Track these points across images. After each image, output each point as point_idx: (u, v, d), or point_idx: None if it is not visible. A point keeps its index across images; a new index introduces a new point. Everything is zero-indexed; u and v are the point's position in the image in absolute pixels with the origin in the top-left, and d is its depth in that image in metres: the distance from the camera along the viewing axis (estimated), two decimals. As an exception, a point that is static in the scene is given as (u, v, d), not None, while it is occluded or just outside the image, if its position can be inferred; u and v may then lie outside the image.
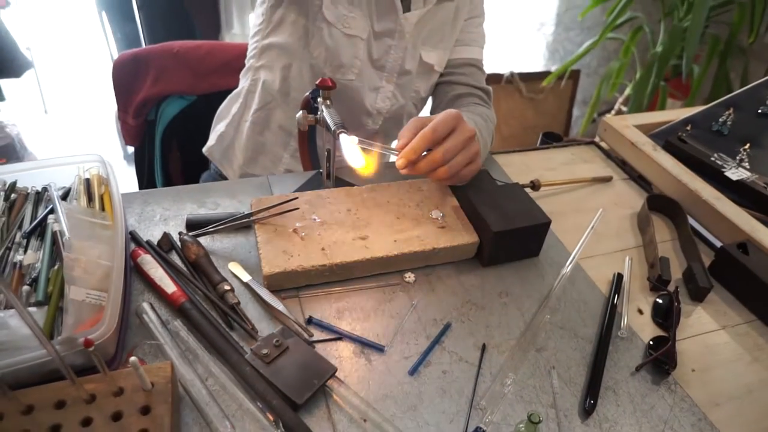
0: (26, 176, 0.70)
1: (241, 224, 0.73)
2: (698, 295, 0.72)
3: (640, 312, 0.70)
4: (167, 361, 0.53)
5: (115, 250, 0.59)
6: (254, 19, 1.00)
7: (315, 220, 0.72)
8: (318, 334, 0.62)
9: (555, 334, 0.65)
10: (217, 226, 0.72)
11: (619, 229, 0.84)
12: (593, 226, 0.81)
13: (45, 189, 0.70)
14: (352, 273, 0.68)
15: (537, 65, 2.71)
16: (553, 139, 1.94)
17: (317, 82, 0.74)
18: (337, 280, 0.68)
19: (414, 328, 0.64)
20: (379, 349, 0.61)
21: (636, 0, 1.98)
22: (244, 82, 1.04)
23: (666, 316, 0.68)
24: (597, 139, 1.05)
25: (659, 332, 0.67)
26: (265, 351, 0.57)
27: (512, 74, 2.37)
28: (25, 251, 0.61)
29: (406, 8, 0.92)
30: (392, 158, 0.72)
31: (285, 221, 0.71)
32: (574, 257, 0.75)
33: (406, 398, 0.56)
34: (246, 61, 1.04)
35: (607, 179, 0.93)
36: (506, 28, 2.75)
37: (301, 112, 0.77)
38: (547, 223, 0.72)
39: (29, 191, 0.70)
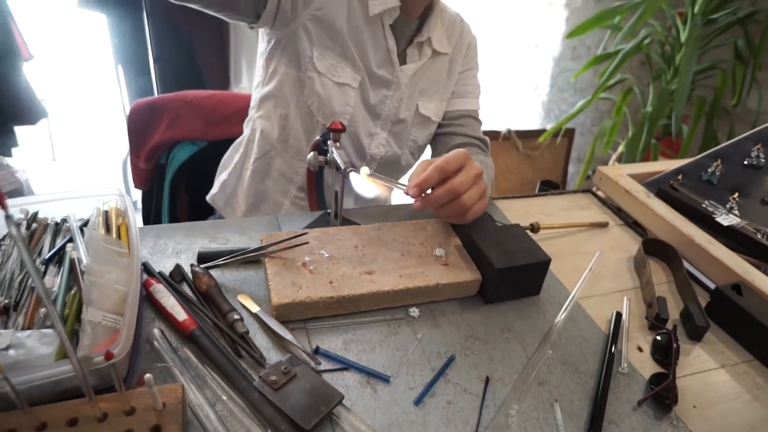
0: (48, 207, 0.73)
1: (251, 258, 0.75)
2: (696, 334, 0.73)
3: (640, 349, 0.71)
4: (178, 383, 0.54)
5: (131, 277, 0.61)
6: (257, 72, 1.07)
7: (323, 255, 0.74)
8: (325, 364, 0.63)
9: (557, 368, 0.66)
10: (228, 259, 0.74)
11: (616, 271, 0.87)
12: (591, 268, 0.84)
13: (64, 220, 0.73)
14: (358, 306, 0.70)
15: (533, 124, 2.82)
16: (550, 187, 2.00)
17: (328, 125, 0.79)
18: (344, 313, 0.70)
19: (419, 360, 0.65)
20: (385, 379, 0.62)
21: (626, 64, 2.09)
22: (245, 132, 1.10)
23: (665, 353, 0.70)
24: (593, 189, 1.10)
25: (659, 369, 0.68)
26: (273, 377, 0.58)
27: (509, 131, 2.46)
28: (43, 277, 0.63)
29: (402, 61, 0.98)
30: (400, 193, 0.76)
31: (294, 255, 0.74)
32: (574, 296, 0.77)
33: (411, 427, 0.57)
34: (248, 112, 1.10)
35: (603, 224, 0.97)
36: (503, 88, 2.88)
37: (312, 153, 0.81)
38: (547, 261, 0.74)
39: (49, 222, 0.72)
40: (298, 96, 0.97)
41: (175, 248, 0.78)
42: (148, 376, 0.47)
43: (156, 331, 0.62)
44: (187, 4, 0.82)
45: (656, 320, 0.73)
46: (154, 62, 1.89)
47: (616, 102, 2.15)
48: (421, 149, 1.11)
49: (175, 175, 1.36)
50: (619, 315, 0.74)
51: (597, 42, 2.39)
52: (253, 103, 1.06)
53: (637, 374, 0.67)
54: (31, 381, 0.48)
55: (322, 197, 0.93)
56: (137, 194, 1.44)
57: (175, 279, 0.72)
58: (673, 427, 0.61)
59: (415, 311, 0.72)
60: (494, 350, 0.68)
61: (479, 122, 1.09)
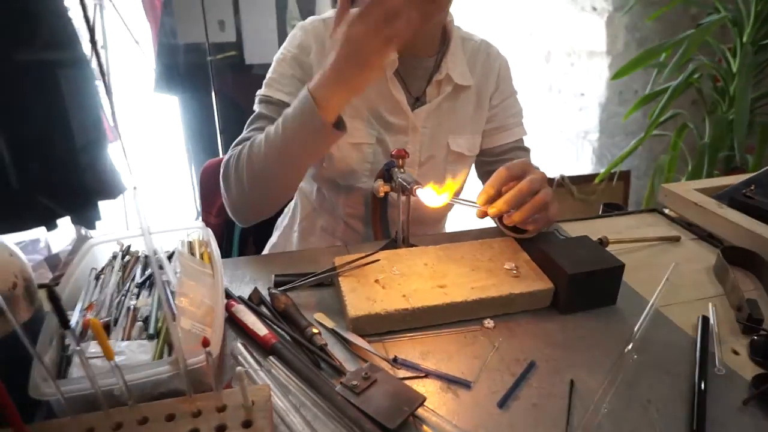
0: (136, 241, 0.80)
1: (325, 280, 0.78)
2: (796, 336, 0.68)
3: (735, 353, 0.67)
4: (265, 384, 0.55)
5: (217, 293, 0.65)
6: None
7: (395, 272, 0.76)
8: (404, 373, 0.63)
9: (645, 371, 0.63)
10: (304, 280, 0.77)
11: (695, 281, 0.83)
12: (668, 278, 0.81)
13: (155, 252, 0.79)
14: (432, 319, 0.70)
15: (586, 171, 2.80)
16: (614, 208, 1.94)
17: (392, 152, 0.83)
18: (419, 326, 0.70)
19: (498, 367, 0.64)
20: (466, 384, 0.61)
21: (677, 102, 2.08)
22: (294, 196, 1.15)
23: (765, 354, 0.65)
24: (660, 208, 1.07)
25: (760, 371, 0.63)
26: (354, 382, 0.58)
27: (562, 177, 2.45)
28: (137, 298, 0.68)
29: (423, 102, 0.99)
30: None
31: (366, 273, 0.76)
32: (654, 300, 0.74)
33: (498, 428, 0.55)
34: None
35: (675, 239, 0.94)
36: (553, 138, 2.90)
37: (378, 180, 0.85)
38: (620, 267, 0.73)
39: (139, 254, 0.78)
40: (321, 161, 1.00)
41: (252, 276, 0.82)
42: (239, 369, 0.50)
43: (239, 344, 0.65)
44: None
45: (749, 321, 0.69)
46: (220, 133, 2.07)
47: (671, 137, 2.12)
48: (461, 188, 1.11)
49: (242, 230, 1.43)
50: (706, 318, 0.71)
51: (643, 85, 2.40)
52: None
53: (736, 376, 0.63)
54: (137, 379, 0.51)
55: (387, 226, 0.96)
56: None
57: (253, 301, 0.75)
58: (786, 427, 0.56)
59: (490, 322, 0.71)
60: (575, 356, 0.66)
61: (527, 151, 1.08)
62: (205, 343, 0.47)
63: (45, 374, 0.51)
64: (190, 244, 0.79)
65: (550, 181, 2.46)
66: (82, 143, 2.06)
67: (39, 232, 2.32)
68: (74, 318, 0.64)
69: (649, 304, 0.74)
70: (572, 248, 0.77)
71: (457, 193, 1.10)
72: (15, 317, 0.43)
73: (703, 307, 0.76)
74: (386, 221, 0.97)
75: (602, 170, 2.42)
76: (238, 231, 1.43)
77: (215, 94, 2.08)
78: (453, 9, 0.96)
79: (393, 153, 0.83)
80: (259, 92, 0.97)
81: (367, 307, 0.68)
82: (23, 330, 0.42)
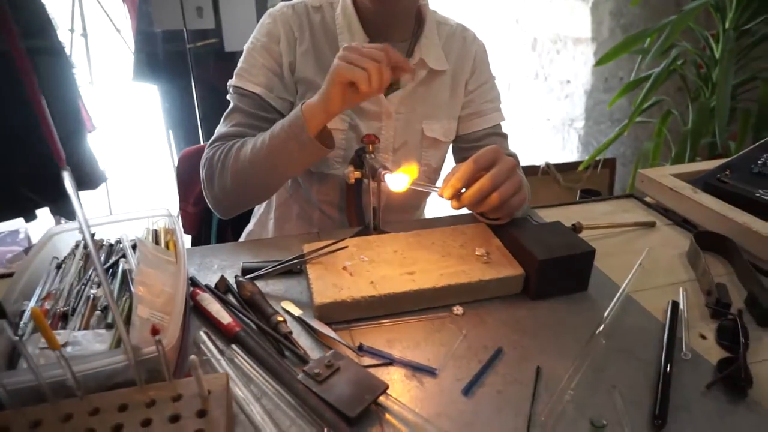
0: (102, 229, 0.78)
1: (294, 268, 0.76)
2: (765, 320, 0.68)
3: (703, 337, 0.67)
4: (223, 372, 0.54)
5: (178, 281, 0.64)
6: None
7: (363, 259, 0.75)
8: (369, 360, 0.62)
9: (613, 356, 0.63)
10: (271, 268, 0.76)
11: (669, 266, 0.82)
12: (641, 263, 0.80)
13: (118, 241, 0.77)
14: (400, 306, 0.69)
15: (572, 158, 2.79)
16: (591, 194, 1.94)
17: (362, 138, 0.82)
18: (386, 314, 0.69)
19: (465, 354, 0.63)
20: (431, 372, 0.60)
21: (662, 89, 2.07)
22: None
23: (733, 338, 0.65)
24: (637, 193, 1.07)
25: (726, 354, 0.63)
26: (316, 371, 0.57)
27: (548, 165, 2.45)
28: (98, 287, 0.66)
29: (396, 87, 0.97)
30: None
31: (335, 261, 0.74)
32: (625, 287, 0.74)
33: (461, 416, 0.54)
34: None
35: (650, 224, 0.93)
36: (538, 125, 2.89)
37: (349, 166, 0.84)
38: (591, 252, 0.72)
39: (104, 242, 0.77)
40: None
41: (221, 264, 0.81)
42: (192, 357, 0.48)
43: (202, 333, 0.63)
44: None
45: (718, 306, 0.69)
46: (200, 120, 2.03)
47: (655, 125, 2.11)
48: (437, 171, 1.09)
49: (220, 219, 1.41)
50: (675, 303, 0.70)
51: (629, 72, 2.40)
52: None
53: (703, 360, 0.62)
54: (88, 369, 0.50)
55: (361, 213, 0.94)
56: (188, 240, 1.50)
57: (220, 290, 0.73)
58: (750, 410, 0.56)
59: (459, 309, 0.70)
60: (544, 343, 0.65)
61: (504, 137, 1.07)
62: (154, 331, 0.45)
63: (-8, 366, 0.50)
64: (156, 232, 0.77)
65: (535, 168, 2.45)
66: (60, 133, 2.02)
67: (18, 223, 2.28)
68: (29, 306, 0.62)
69: (620, 290, 0.73)
70: (544, 234, 0.76)
71: (432, 179, 1.09)
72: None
73: (675, 292, 0.75)
74: (361, 208, 0.95)
75: (588, 158, 2.42)
76: (215, 219, 1.41)
77: (195, 81, 2.04)
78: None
79: (363, 138, 0.81)
80: (230, 82, 0.95)
81: (333, 294, 0.67)
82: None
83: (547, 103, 2.86)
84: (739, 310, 0.68)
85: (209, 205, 0.96)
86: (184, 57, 2.00)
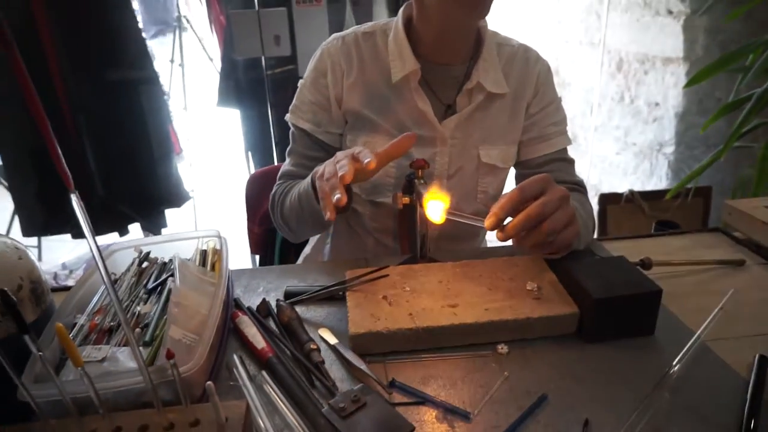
0: (158, 248, 0.81)
1: (336, 294, 0.75)
2: None
3: (795, 400, 0.56)
4: (243, 400, 0.53)
5: (215, 303, 0.64)
6: None
7: (405, 289, 0.72)
8: (400, 398, 0.58)
9: (678, 415, 0.54)
10: (312, 294, 0.75)
11: (758, 312, 0.72)
12: (722, 307, 0.71)
13: (171, 260, 0.80)
14: (440, 341, 0.66)
15: (660, 186, 2.59)
16: (669, 227, 1.76)
17: (410, 163, 0.79)
18: (425, 348, 0.66)
19: (504, 399, 0.58)
20: (465, 415, 0.55)
21: (765, 113, 1.87)
22: None
23: (834, 407, 0.54)
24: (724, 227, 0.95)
25: (826, 425, 0.53)
26: (342, 405, 0.55)
27: (632, 192, 2.28)
28: (145, 303, 0.68)
29: (453, 111, 0.94)
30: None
31: (376, 289, 0.72)
32: (702, 332, 0.65)
33: (491, 469, 0.49)
34: None
35: (738, 262, 0.82)
36: (624, 150, 2.72)
37: (398, 192, 0.82)
38: (657, 293, 0.64)
39: (158, 260, 0.80)
40: None
41: (266, 287, 0.81)
42: (209, 383, 0.48)
43: (235, 357, 0.63)
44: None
45: (815, 364, 0.58)
46: (275, 144, 2.12)
47: (758, 150, 1.90)
48: (495, 199, 1.03)
49: (283, 240, 1.44)
50: (764, 358, 0.60)
51: (727, 93, 2.19)
52: None
53: (794, 429, 0.53)
54: (110, 388, 0.51)
55: (414, 240, 0.91)
56: (256, 259, 1.54)
57: (261, 313, 0.73)
58: None
59: (503, 348, 0.65)
60: (596, 392, 0.58)
61: (570, 162, 1.00)
62: (169, 355, 0.45)
63: (31, 378, 0.52)
64: (205, 253, 0.79)
65: (618, 196, 2.29)
66: (153, 155, 2.19)
67: (105, 239, 2.48)
68: (80, 320, 0.65)
69: (694, 336, 0.65)
70: (604, 269, 0.69)
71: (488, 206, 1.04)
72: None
73: (765, 344, 0.65)
74: (414, 235, 0.92)
75: (676, 185, 2.22)
76: (279, 240, 1.44)
77: (271, 106, 2.13)
78: (493, 16, 0.90)
79: (412, 163, 0.79)
80: (287, 116, 1.00)
81: (369, 325, 0.65)
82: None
83: (633, 127, 2.68)
84: (843, 371, 0.57)
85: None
86: (262, 83, 2.10)
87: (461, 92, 0.94)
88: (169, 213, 2.29)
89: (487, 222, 0.66)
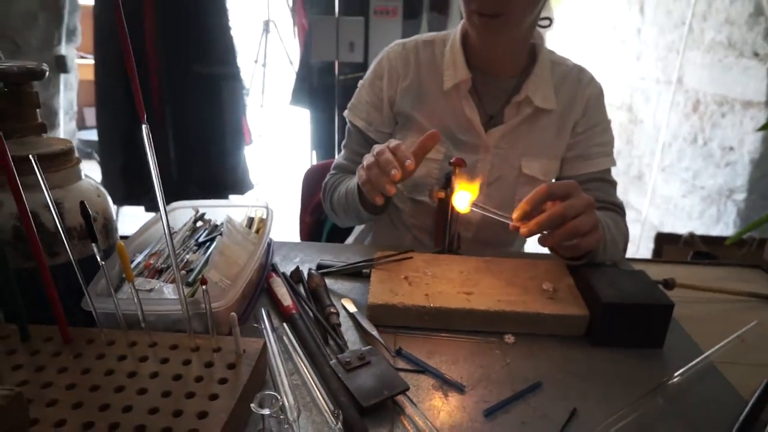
0: (213, 211, 0.90)
1: (363, 270, 0.81)
2: None
3: (795, 427, 0.56)
4: (262, 339, 0.59)
5: (252, 258, 0.71)
6: None
7: (427, 274, 0.77)
8: (403, 365, 0.63)
9: (668, 421, 0.56)
10: (340, 268, 0.81)
11: (781, 346, 0.71)
12: (741, 335, 0.70)
13: (222, 223, 0.89)
14: (451, 323, 0.70)
15: (726, 233, 2.47)
16: (707, 257, 1.67)
17: (450, 161, 0.84)
18: (437, 327, 0.70)
19: (501, 380, 0.61)
20: (460, 388, 0.59)
21: None
22: None
23: (835, 439, 0.54)
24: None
25: (821, 452, 0.53)
26: (348, 359, 0.60)
27: (692, 235, 2.20)
28: (194, 253, 0.77)
29: (500, 121, 0.98)
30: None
31: (400, 270, 0.77)
32: (713, 352, 0.65)
33: (474, 435, 0.53)
34: None
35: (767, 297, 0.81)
36: (689, 194, 2.62)
37: (435, 186, 0.87)
38: (668, 306, 0.65)
39: (210, 221, 0.89)
40: None
41: (303, 259, 0.88)
42: (232, 314, 0.54)
43: (263, 309, 0.70)
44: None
45: (823, 396, 0.58)
46: (338, 145, 2.23)
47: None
48: None
49: (330, 230, 1.52)
50: (769, 383, 0.60)
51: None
52: None
53: (785, 451, 0.53)
54: (153, 311, 0.59)
55: (445, 234, 0.96)
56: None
57: (293, 278, 0.80)
58: None
59: (510, 338, 0.68)
60: (591, 388, 0.60)
61: (611, 184, 1.01)
62: (203, 281, 0.52)
63: (95, 292, 0.61)
64: (252, 220, 0.87)
65: (676, 237, 2.22)
66: (225, 145, 2.36)
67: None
68: (138, 259, 0.75)
69: (703, 355, 0.65)
70: (620, 279, 0.71)
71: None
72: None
73: (776, 373, 0.64)
74: (445, 228, 0.96)
75: (738, 232, 2.12)
76: (327, 231, 1.52)
77: (338, 109, 2.24)
78: (569, 48, 0.94)
79: (451, 162, 0.84)
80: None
81: (387, 298, 0.70)
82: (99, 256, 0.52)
83: (703, 170, 2.59)
84: None
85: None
86: (333, 87, 2.22)
87: (509, 104, 0.98)
88: (233, 199, 2.45)
89: (515, 214, 0.70)
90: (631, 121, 3.33)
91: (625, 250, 0.93)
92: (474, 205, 0.75)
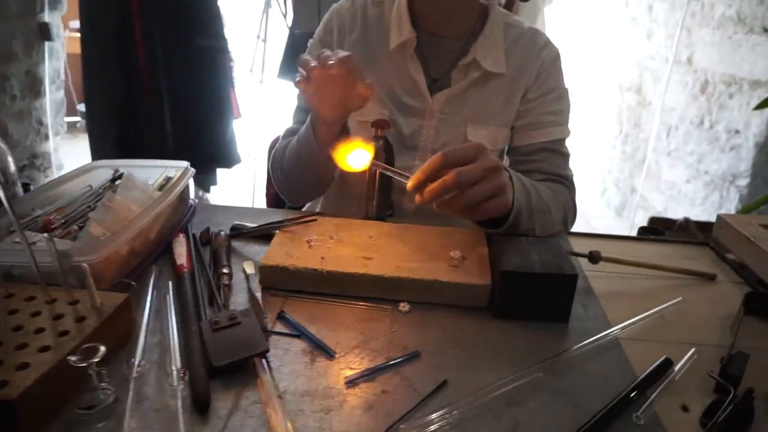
0: (135, 171, 0.87)
1: (272, 232, 0.77)
2: (789, 413, 0.50)
3: (685, 409, 0.51)
4: (126, 294, 0.57)
5: (142, 213, 0.68)
6: None
7: (332, 238, 0.73)
8: (280, 329, 0.60)
9: (543, 395, 0.51)
10: (249, 231, 0.78)
11: (699, 324, 0.65)
12: (661, 312, 0.65)
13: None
14: (345, 288, 0.66)
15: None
16: (654, 233, 1.56)
17: (371, 122, 0.80)
18: (332, 293, 0.66)
19: (378, 349, 0.57)
20: (329, 354, 0.56)
21: None
22: None
23: (727, 424, 0.49)
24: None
25: (702, 436, 0.48)
26: (217, 320, 0.57)
27: (687, 220, 2.10)
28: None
29: (446, 84, 0.92)
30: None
31: (305, 233, 0.74)
32: (618, 329, 0.60)
33: (325, 401, 0.50)
34: None
35: (708, 276, 0.75)
36: (691, 178, 2.52)
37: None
38: (572, 276, 0.61)
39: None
40: None
41: (222, 222, 0.85)
42: (84, 265, 0.52)
43: (154, 267, 0.67)
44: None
45: (721, 376, 0.52)
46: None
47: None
48: None
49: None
50: (668, 361, 0.55)
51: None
52: None
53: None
54: (23, 262, 0.57)
55: (381, 203, 0.92)
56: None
57: (201, 240, 0.77)
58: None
59: (405, 306, 0.64)
60: (474, 362, 0.56)
61: (563, 155, 0.95)
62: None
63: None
64: (170, 179, 0.84)
65: (671, 223, 2.12)
66: (213, 116, 2.34)
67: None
68: (36, 213, 0.72)
69: (608, 330, 0.60)
70: (531, 248, 0.66)
71: None
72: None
73: (685, 352, 0.59)
74: (380, 198, 0.92)
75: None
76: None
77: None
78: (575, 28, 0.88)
79: (372, 121, 0.80)
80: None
81: (279, 259, 0.66)
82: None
83: (708, 154, 2.47)
84: (748, 390, 0.51)
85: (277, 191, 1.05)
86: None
87: (456, 67, 0.92)
88: (229, 175, 2.42)
89: (409, 183, 0.65)
90: (639, 103, 3.20)
91: (567, 224, 0.88)
92: (373, 163, 0.70)
